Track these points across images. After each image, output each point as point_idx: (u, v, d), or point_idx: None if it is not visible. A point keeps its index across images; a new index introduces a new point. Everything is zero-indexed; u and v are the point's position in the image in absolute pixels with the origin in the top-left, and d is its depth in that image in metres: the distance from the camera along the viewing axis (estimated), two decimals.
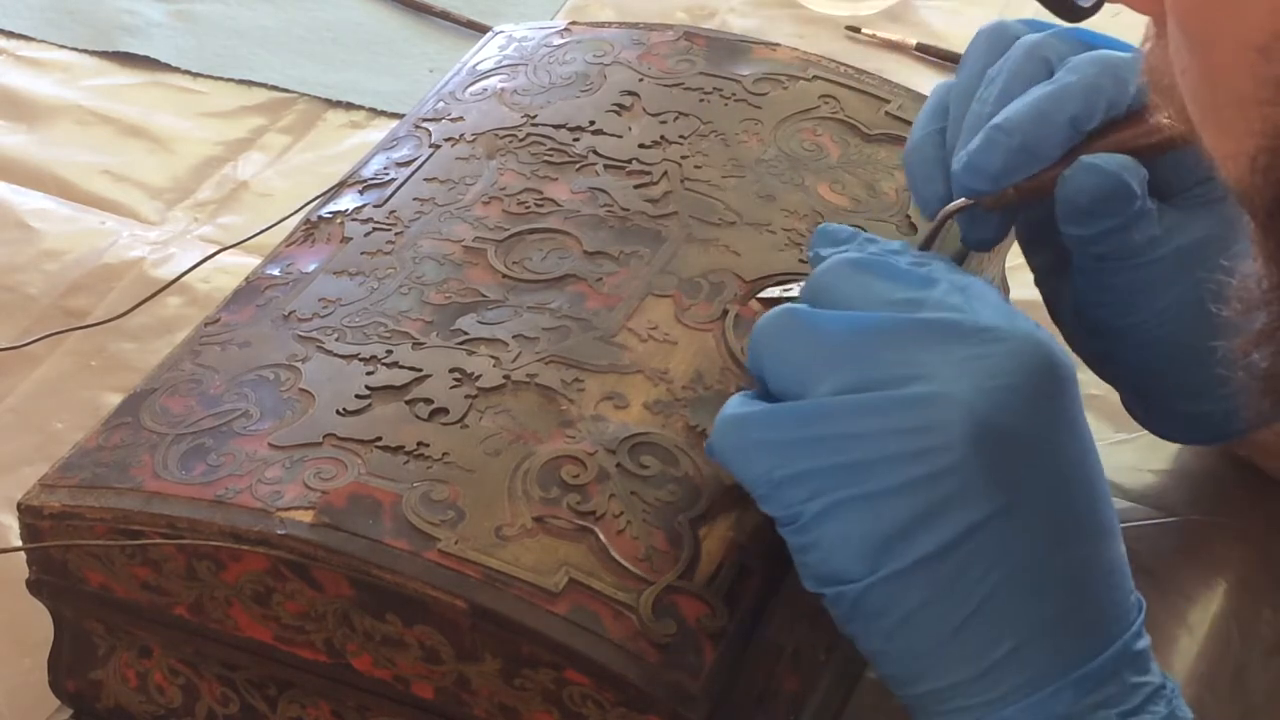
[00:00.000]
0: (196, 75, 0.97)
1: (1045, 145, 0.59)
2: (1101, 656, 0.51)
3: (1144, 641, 0.53)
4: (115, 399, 0.62)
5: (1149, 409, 0.68)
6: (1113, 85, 0.59)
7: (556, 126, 0.69)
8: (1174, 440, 0.71)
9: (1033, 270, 0.68)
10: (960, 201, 0.60)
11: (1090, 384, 0.75)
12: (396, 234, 0.65)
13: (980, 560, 0.50)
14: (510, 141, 0.69)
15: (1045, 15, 0.55)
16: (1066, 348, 0.56)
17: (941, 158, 0.62)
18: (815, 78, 0.72)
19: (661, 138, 0.69)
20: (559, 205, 0.65)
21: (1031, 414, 0.51)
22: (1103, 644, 0.51)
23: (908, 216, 0.66)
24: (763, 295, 0.62)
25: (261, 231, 0.74)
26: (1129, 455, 0.72)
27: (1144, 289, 0.62)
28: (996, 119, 0.59)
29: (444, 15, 1.01)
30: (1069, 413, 0.52)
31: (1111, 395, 0.75)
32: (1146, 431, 0.70)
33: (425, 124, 0.71)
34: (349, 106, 0.95)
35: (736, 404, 0.54)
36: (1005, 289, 0.76)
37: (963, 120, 0.61)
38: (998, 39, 0.63)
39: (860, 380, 0.51)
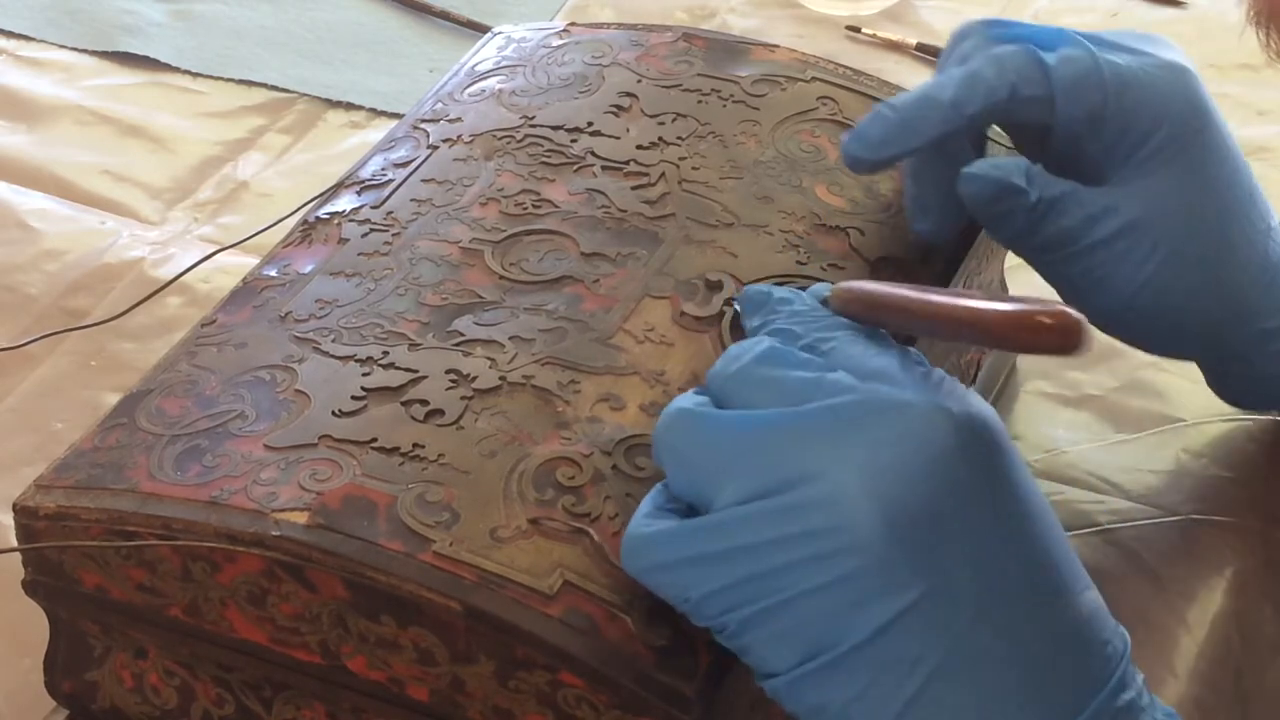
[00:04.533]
0: (196, 75, 0.98)
1: (923, 124, 0.62)
2: None
3: (1128, 694, 0.50)
4: (115, 399, 0.62)
5: (1209, 376, 0.70)
6: (994, 74, 0.62)
7: (554, 128, 0.69)
8: (1250, 406, 0.72)
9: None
10: None
11: (1086, 384, 0.76)
12: (394, 235, 0.65)
13: (913, 644, 0.48)
14: (508, 143, 0.69)
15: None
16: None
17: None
18: (814, 79, 0.72)
19: (659, 139, 0.69)
20: (556, 206, 0.65)
21: (943, 489, 0.48)
22: (1070, 710, 0.49)
23: (905, 218, 0.66)
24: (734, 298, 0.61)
25: (261, 231, 0.74)
26: (1129, 455, 0.72)
27: (1106, 271, 0.63)
28: (889, 99, 0.63)
29: (444, 15, 1.01)
30: (992, 476, 0.49)
31: (1111, 395, 0.75)
32: (1146, 432, 0.70)
33: (423, 125, 0.71)
34: (349, 106, 0.95)
35: (643, 519, 0.51)
36: (1005, 291, 0.76)
37: None
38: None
39: (759, 486, 0.49)
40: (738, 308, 0.59)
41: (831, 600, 0.48)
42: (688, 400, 0.53)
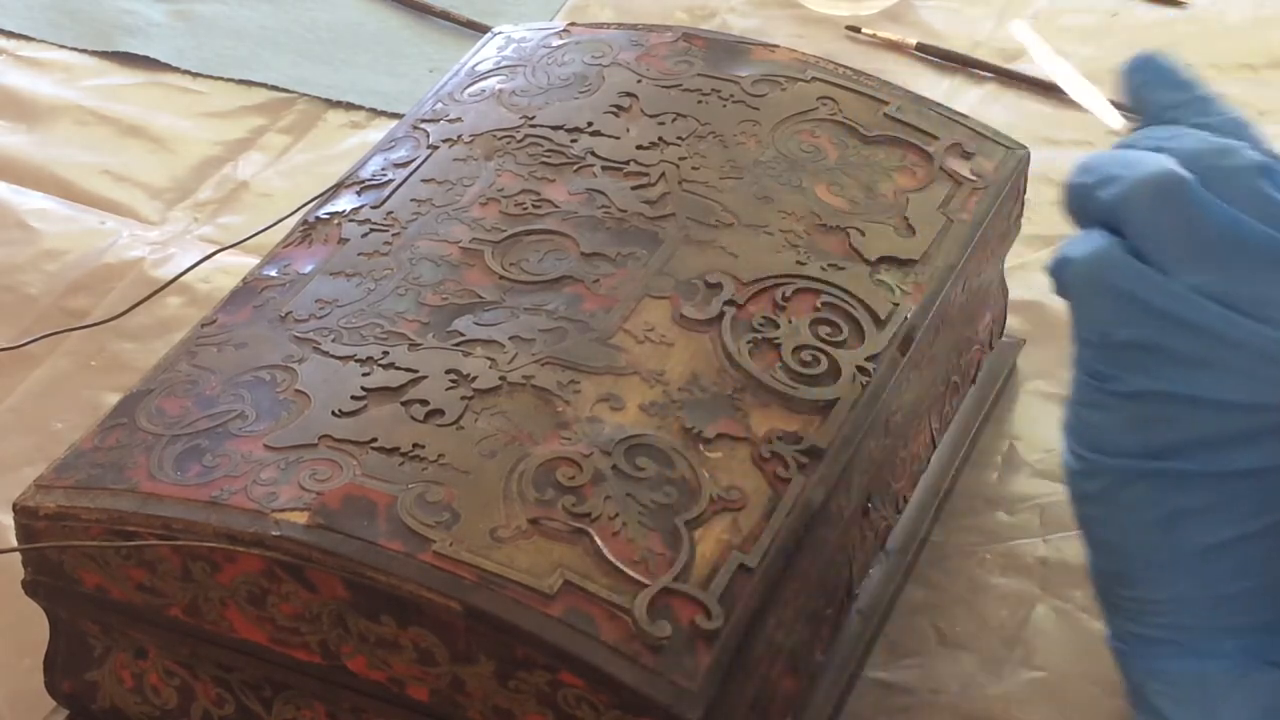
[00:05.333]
0: (196, 75, 0.98)
1: None
2: None
3: None
4: (115, 399, 0.62)
5: None
6: None
7: (554, 128, 0.69)
8: None
9: None
10: None
11: None
12: (394, 235, 0.65)
13: (1269, 496, 0.47)
14: (508, 143, 0.69)
15: None
16: None
17: None
18: (814, 79, 0.72)
19: (659, 139, 0.69)
20: (556, 206, 0.65)
21: None
22: None
23: (905, 218, 0.66)
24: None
25: (261, 231, 0.74)
26: None
27: None
28: None
29: (444, 15, 1.01)
30: None
31: None
32: None
33: (423, 125, 0.71)
34: (349, 106, 0.95)
35: (1101, 239, 0.50)
36: (1004, 291, 0.76)
37: None
38: None
39: (1227, 291, 0.48)
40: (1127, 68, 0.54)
41: (1243, 420, 0.47)
42: (1170, 172, 0.49)
